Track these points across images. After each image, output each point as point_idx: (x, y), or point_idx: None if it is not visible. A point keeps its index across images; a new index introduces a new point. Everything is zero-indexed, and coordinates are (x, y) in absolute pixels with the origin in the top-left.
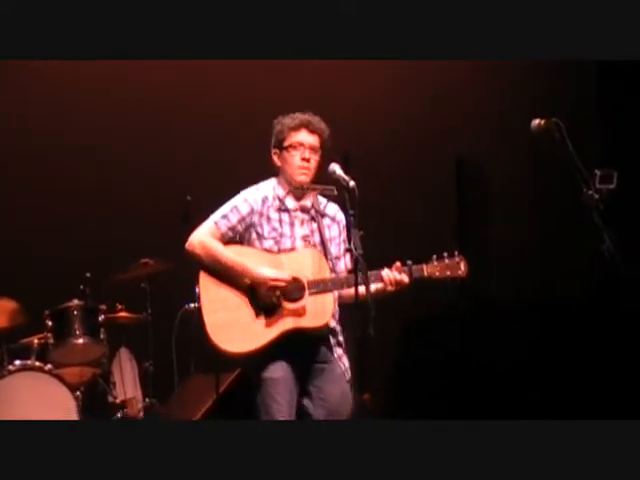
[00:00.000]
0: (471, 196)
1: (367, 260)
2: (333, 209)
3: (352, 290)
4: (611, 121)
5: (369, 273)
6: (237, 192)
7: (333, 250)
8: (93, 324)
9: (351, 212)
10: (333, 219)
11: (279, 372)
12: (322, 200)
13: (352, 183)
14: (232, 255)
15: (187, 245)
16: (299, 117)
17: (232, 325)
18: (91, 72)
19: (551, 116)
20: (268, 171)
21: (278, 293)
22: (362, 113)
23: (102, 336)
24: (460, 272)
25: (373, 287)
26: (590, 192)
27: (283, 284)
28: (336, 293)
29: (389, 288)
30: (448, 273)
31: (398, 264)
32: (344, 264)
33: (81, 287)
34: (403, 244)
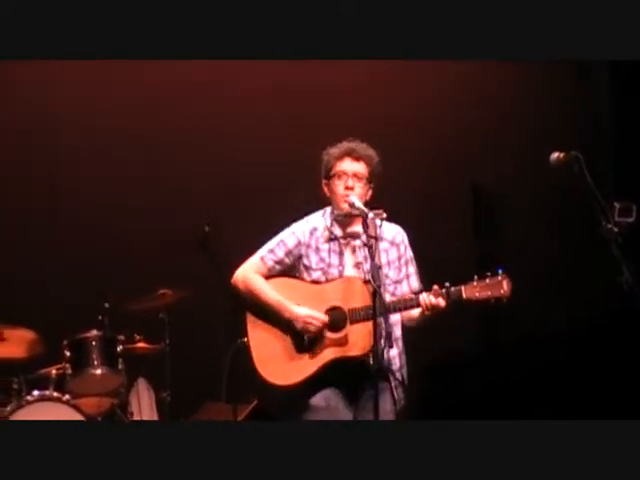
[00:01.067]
0: (488, 224)
1: None
2: (391, 232)
3: (406, 313)
4: (627, 151)
5: (408, 297)
6: (256, 221)
7: (392, 274)
8: (111, 354)
9: (370, 243)
10: (392, 242)
11: (323, 401)
12: (380, 223)
13: (370, 215)
14: (270, 292)
15: (232, 280)
16: (344, 145)
17: (278, 358)
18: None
19: (569, 147)
20: (288, 199)
21: (315, 328)
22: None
23: (120, 366)
24: (503, 292)
25: (417, 312)
26: (609, 225)
27: (318, 324)
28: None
29: (426, 313)
30: (489, 293)
31: (436, 287)
32: (407, 286)
33: (99, 317)
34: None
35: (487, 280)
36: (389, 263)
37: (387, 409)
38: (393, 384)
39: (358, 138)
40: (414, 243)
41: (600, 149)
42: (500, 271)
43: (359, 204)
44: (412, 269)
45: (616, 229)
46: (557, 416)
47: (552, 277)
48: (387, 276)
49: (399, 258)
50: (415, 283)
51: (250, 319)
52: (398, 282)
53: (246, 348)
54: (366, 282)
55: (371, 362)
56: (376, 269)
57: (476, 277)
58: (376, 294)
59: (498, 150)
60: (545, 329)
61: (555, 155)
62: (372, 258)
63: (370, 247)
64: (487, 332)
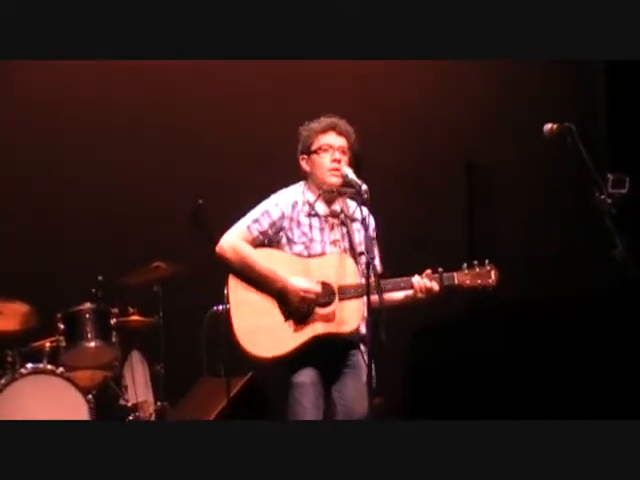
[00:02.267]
0: (482, 201)
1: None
2: (363, 213)
3: (389, 295)
4: (620, 124)
5: (400, 280)
6: (250, 196)
7: (358, 256)
8: (105, 327)
9: (363, 215)
10: (363, 223)
11: (306, 377)
12: (351, 204)
13: (364, 187)
14: (263, 261)
15: (218, 248)
16: (325, 120)
17: (261, 329)
18: (101, 73)
19: (562, 119)
20: (281, 174)
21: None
22: (370, 115)
23: (114, 339)
24: (491, 281)
25: (403, 294)
26: (602, 197)
27: (313, 296)
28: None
29: (419, 295)
30: (479, 282)
31: (429, 271)
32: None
33: (93, 290)
34: (412, 250)
35: (477, 269)
36: (360, 243)
37: (362, 387)
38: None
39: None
40: (407, 226)
41: (598, 148)
42: (487, 261)
43: (352, 176)
44: (376, 252)
45: (609, 201)
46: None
47: (546, 253)
48: (358, 256)
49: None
50: (378, 265)
51: (233, 288)
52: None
53: (222, 316)
54: (361, 253)
55: (383, 337)
56: (369, 240)
57: (465, 265)
58: (370, 266)
59: (492, 129)
60: (539, 304)
61: (548, 126)
62: (365, 229)
63: (363, 220)
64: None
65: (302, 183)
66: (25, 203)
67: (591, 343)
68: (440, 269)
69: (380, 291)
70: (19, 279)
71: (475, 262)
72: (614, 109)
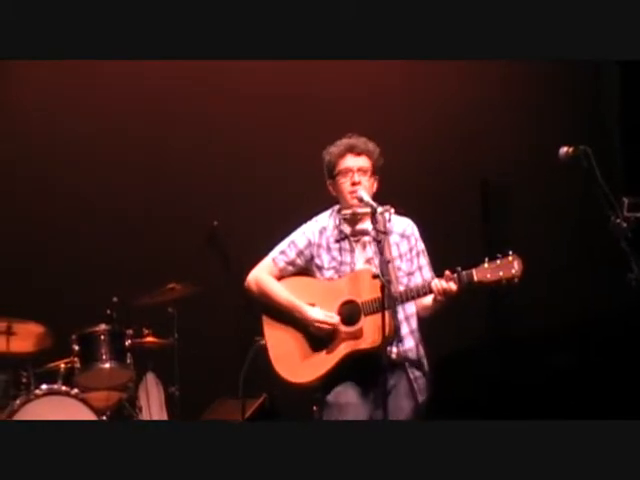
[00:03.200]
0: (497, 219)
1: None
2: (402, 225)
3: (420, 302)
4: (637, 146)
5: (420, 285)
6: (265, 218)
7: (404, 266)
8: (120, 348)
9: (379, 238)
10: (402, 235)
11: (344, 397)
12: (389, 217)
13: (380, 209)
14: (282, 292)
15: (245, 283)
16: (343, 142)
17: (294, 357)
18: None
19: (577, 138)
20: (297, 197)
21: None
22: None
23: (129, 360)
24: (514, 271)
25: (427, 300)
26: (618, 220)
27: (328, 327)
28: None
29: (438, 298)
30: (500, 274)
31: (447, 272)
32: (420, 278)
33: (108, 311)
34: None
35: (498, 261)
36: (401, 256)
37: (402, 405)
38: (412, 376)
39: (356, 132)
40: (424, 236)
41: (609, 147)
42: (510, 252)
43: (367, 198)
44: (424, 261)
45: (625, 224)
46: (565, 415)
47: (561, 274)
48: (399, 268)
49: (410, 250)
50: (428, 274)
51: (266, 320)
52: (411, 274)
53: (264, 349)
54: (375, 276)
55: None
56: (385, 264)
57: (487, 259)
58: (385, 289)
59: (507, 146)
60: (553, 325)
61: (564, 150)
62: (381, 253)
63: (379, 242)
64: (496, 328)
65: (334, 208)
66: (40, 225)
67: (611, 366)
68: (459, 268)
69: (394, 312)
70: (34, 300)
71: (498, 255)
72: (630, 130)
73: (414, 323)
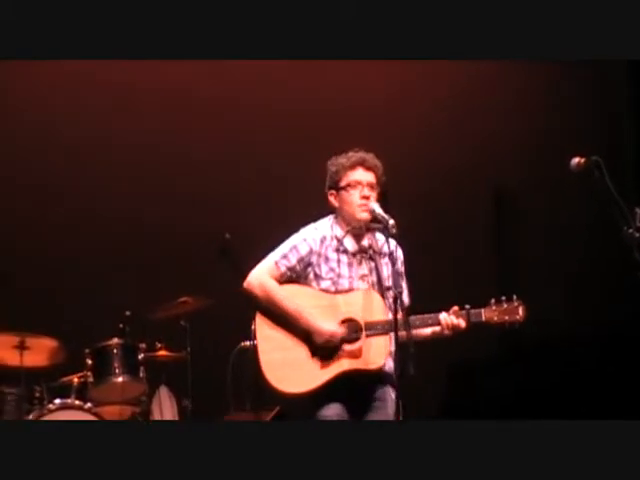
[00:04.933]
0: (509, 227)
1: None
2: (391, 247)
3: (417, 330)
4: None
5: (428, 316)
6: (276, 230)
7: (385, 290)
8: (133, 362)
9: (390, 250)
10: (390, 257)
11: (333, 411)
12: (380, 238)
13: (392, 221)
14: (289, 299)
15: (245, 284)
16: (354, 155)
17: (287, 365)
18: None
19: (589, 149)
20: (309, 207)
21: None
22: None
23: (142, 374)
24: (518, 317)
25: (430, 330)
26: (630, 231)
27: (338, 340)
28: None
29: (446, 332)
30: (506, 318)
31: (456, 308)
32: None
33: (121, 325)
34: (441, 278)
35: (504, 305)
36: (388, 277)
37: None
38: (392, 396)
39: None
40: (435, 253)
41: (620, 150)
42: (515, 297)
43: (379, 210)
44: (404, 285)
45: (638, 234)
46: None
47: (574, 283)
48: (388, 289)
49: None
50: (406, 299)
51: (260, 323)
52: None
53: (249, 351)
54: (388, 288)
55: (411, 371)
56: (397, 276)
57: (493, 300)
58: (397, 300)
59: (518, 153)
60: (568, 334)
61: (575, 161)
62: (393, 264)
63: (391, 254)
64: (509, 336)
65: (331, 217)
66: (53, 238)
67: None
68: (467, 306)
69: (408, 326)
70: (47, 315)
71: (503, 298)
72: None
73: (393, 345)
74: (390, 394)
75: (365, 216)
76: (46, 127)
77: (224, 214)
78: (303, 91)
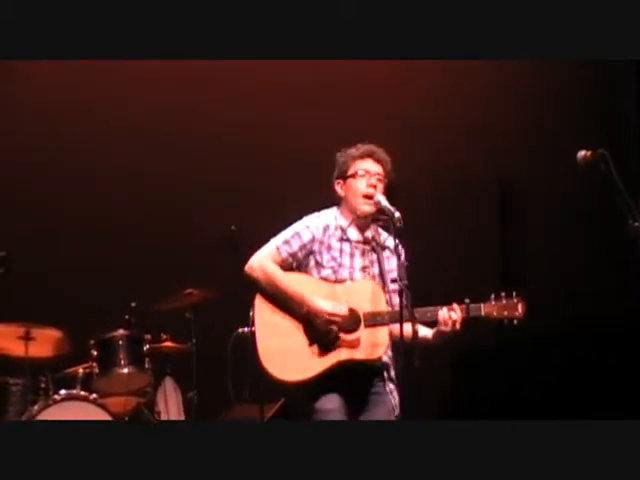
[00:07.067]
0: (514, 224)
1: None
2: (393, 241)
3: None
4: None
5: (427, 309)
6: (282, 222)
7: (391, 283)
8: (138, 354)
9: (396, 242)
10: (395, 250)
11: (331, 403)
12: (383, 232)
13: (397, 214)
14: (291, 283)
15: (247, 267)
16: (364, 147)
17: (285, 353)
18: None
19: (596, 141)
20: (315, 200)
21: (335, 326)
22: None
23: (147, 365)
24: (517, 313)
25: (431, 333)
26: (636, 224)
27: (339, 319)
28: (390, 326)
29: (443, 328)
30: (505, 313)
31: (455, 305)
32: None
33: (126, 317)
34: (444, 273)
35: (504, 301)
36: (389, 272)
37: (391, 415)
38: (389, 388)
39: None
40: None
41: (626, 148)
42: (514, 293)
43: (385, 202)
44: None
45: None
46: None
47: (578, 276)
48: (387, 284)
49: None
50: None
51: (258, 307)
52: (394, 291)
53: (247, 337)
54: (393, 280)
55: (416, 363)
56: (403, 268)
57: (493, 296)
58: (403, 293)
59: (524, 147)
60: (569, 327)
61: (582, 153)
62: (398, 257)
63: (396, 247)
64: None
65: (335, 208)
66: (58, 230)
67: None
68: (467, 300)
69: (414, 318)
70: (53, 305)
71: (502, 294)
72: None
73: (398, 337)
74: (389, 386)
75: (368, 208)
76: (46, 127)
77: (229, 206)
78: (304, 88)
